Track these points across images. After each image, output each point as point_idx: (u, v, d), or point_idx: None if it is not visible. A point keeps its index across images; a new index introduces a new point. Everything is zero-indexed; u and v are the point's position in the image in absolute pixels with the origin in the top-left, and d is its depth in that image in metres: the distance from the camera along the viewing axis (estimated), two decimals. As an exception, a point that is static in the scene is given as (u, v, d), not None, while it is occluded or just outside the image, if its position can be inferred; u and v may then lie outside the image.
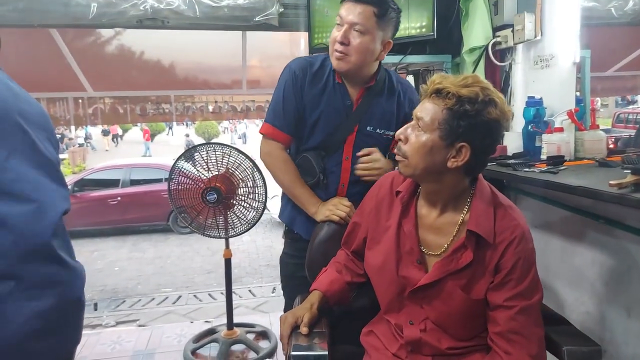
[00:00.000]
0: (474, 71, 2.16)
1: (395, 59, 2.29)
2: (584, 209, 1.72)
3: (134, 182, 7.97)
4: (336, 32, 1.47)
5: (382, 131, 1.58)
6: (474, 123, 1.03)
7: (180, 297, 5.50)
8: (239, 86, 3.63)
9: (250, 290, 5.51)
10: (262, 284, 5.69)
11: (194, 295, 5.38)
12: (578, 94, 2.07)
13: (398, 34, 2.14)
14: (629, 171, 1.25)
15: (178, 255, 7.02)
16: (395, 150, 1.14)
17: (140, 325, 4.51)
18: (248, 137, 25.82)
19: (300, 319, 1.24)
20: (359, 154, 1.55)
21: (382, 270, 1.21)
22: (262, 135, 1.63)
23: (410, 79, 2.35)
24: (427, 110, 1.07)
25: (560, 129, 1.78)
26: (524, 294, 1.07)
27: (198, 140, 20.26)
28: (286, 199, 1.70)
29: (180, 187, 2.50)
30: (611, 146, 1.88)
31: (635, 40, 3.49)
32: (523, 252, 1.08)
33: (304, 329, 1.21)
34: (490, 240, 1.08)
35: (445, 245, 1.14)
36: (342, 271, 1.34)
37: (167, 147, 20.42)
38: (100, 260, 6.76)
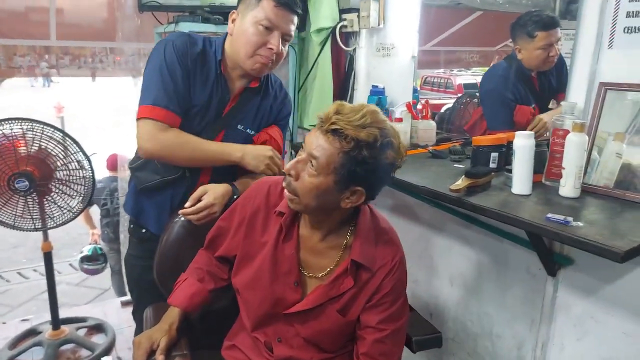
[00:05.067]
0: (320, 51, 2.15)
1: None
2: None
3: None
4: (263, 37, 1.34)
5: (252, 132, 1.49)
6: (371, 169, 1.00)
7: (-21, 279, 4.65)
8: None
9: (71, 264, 4.92)
10: (85, 248, 5.12)
11: (-1, 276, 4.62)
12: (413, 83, 2.23)
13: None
14: (463, 175, 1.41)
15: (-29, 227, 5.86)
16: (284, 185, 1.07)
17: None
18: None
19: (156, 344, 1.14)
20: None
21: (253, 290, 1.16)
22: (141, 121, 1.33)
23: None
24: (322, 149, 0.99)
25: (400, 120, 1.90)
26: (394, 316, 1.13)
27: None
28: (133, 185, 1.51)
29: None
30: (420, 106, 2.09)
31: (449, 22, 3.92)
32: (399, 278, 1.13)
33: (160, 357, 1.12)
34: (372, 268, 1.10)
35: (328, 268, 1.13)
36: (205, 279, 1.25)
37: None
38: None
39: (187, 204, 1.36)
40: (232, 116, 1.45)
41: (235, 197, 1.41)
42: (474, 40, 4.21)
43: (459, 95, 3.95)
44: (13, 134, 2.00)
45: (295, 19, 1.39)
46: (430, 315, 1.99)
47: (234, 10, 1.40)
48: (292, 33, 1.40)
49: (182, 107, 1.36)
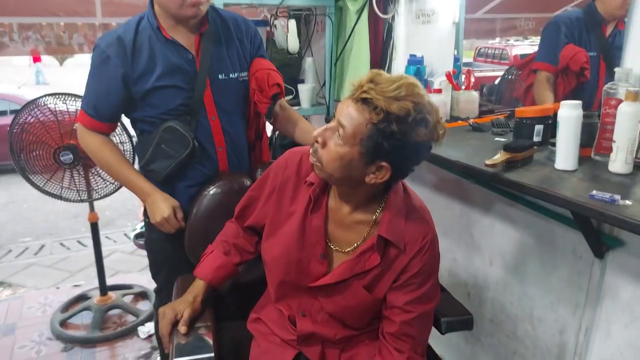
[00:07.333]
0: (357, 20, 2.06)
1: (275, 0, 2.09)
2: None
3: (-30, 115, 6.70)
4: None
5: (237, 74, 1.47)
6: (399, 145, 0.94)
7: (43, 246, 4.97)
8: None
9: (125, 234, 5.17)
10: (138, 225, 5.36)
11: (60, 244, 4.90)
12: (455, 52, 2.10)
13: (281, -26, 1.93)
14: (501, 149, 1.31)
15: (36, 198, 6.22)
16: (311, 151, 1.04)
17: (-4, 284, 4.03)
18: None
19: (180, 314, 1.16)
20: None
21: (280, 260, 1.14)
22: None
23: (292, 23, 2.17)
24: (350, 118, 0.95)
25: (439, 91, 1.80)
26: (423, 299, 1.08)
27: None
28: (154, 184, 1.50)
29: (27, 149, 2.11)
30: (473, 80, 1.97)
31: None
32: (430, 258, 1.08)
33: (182, 328, 1.14)
34: (400, 246, 1.06)
35: (355, 244, 1.10)
36: (231, 252, 1.25)
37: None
38: None
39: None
40: (206, 67, 1.41)
41: None
42: (530, 6, 3.93)
43: (510, 65, 3.71)
44: (57, 109, 2.08)
45: None
46: (468, 294, 1.92)
47: None
48: None
49: (114, 113, 1.44)
